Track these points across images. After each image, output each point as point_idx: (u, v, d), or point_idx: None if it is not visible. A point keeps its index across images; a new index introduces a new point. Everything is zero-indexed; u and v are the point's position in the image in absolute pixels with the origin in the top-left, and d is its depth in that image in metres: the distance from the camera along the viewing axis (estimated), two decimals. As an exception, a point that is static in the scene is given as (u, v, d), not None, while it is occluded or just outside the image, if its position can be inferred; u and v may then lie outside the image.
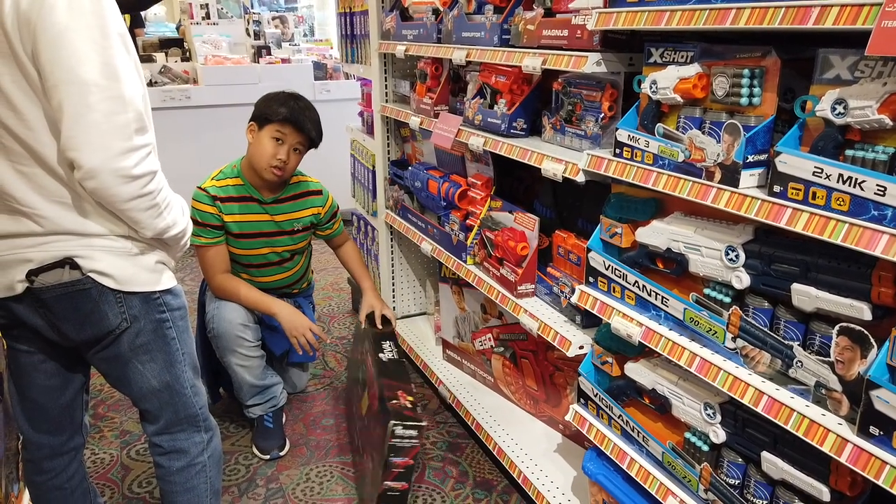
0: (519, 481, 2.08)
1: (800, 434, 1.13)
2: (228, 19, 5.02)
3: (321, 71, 4.77)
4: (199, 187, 2.36)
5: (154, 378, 1.52)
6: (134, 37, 5.78)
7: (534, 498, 2.00)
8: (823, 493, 1.16)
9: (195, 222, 2.30)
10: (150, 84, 4.37)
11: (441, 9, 2.30)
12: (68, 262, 1.35)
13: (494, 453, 2.23)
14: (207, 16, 4.91)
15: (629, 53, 1.57)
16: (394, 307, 3.12)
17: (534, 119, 2.00)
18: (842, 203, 1.02)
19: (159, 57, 4.71)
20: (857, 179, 1.00)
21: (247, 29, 4.83)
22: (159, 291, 1.48)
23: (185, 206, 1.52)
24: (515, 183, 2.38)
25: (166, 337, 1.51)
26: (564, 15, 1.69)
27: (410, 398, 1.97)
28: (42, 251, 1.34)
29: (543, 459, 2.12)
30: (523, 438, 2.22)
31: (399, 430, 1.85)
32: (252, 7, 6.21)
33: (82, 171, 1.24)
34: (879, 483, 1.01)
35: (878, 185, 0.97)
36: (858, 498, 1.14)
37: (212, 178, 2.39)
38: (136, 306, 1.44)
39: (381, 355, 2.24)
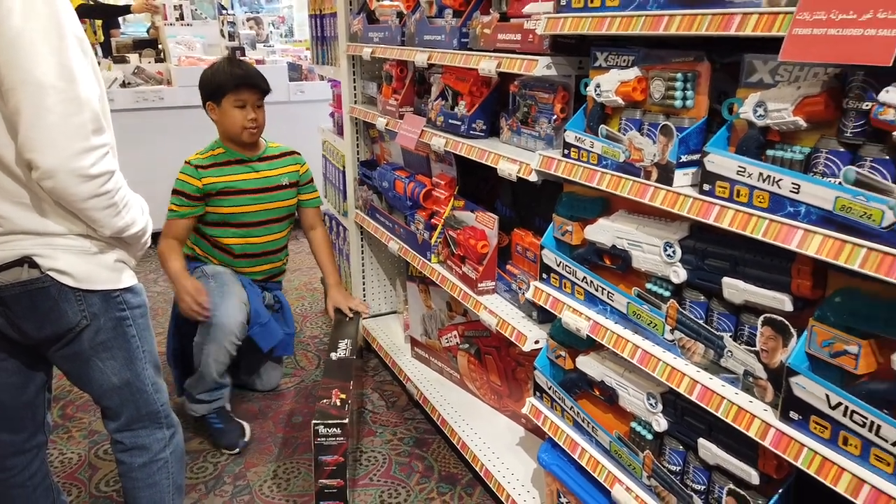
0: (481, 474, 2.13)
1: (729, 420, 1.18)
2: (202, 20, 5.03)
3: (296, 72, 4.80)
4: (187, 162, 2.50)
5: (115, 375, 1.55)
6: (109, 37, 5.78)
7: (495, 490, 2.05)
8: (752, 476, 1.22)
9: (173, 191, 2.46)
10: (124, 85, 4.37)
11: (405, 12, 2.34)
12: (27, 261, 1.37)
13: (459, 448, 2.27)
14: (181, 17, 4.92)
15: (579, 57, 1.63)
16: (364, 306, 3.17)
17: (493, 121, 2.05)
18: (762, 200, 1.08)
19: (133, 58, 4.71)
20: (774, 178, 1.05)
21: (221, 30, 4.84)
22: (119, 290, 1.50)
23: (145, 205, 1.54)
24: (479, 183, 2.43)
25: (126, 335, 1.53)
26: (518, 19, 1.74)
27: (343, 396, 2.02)
28: (0, 250, 1.36)
29: (506, 453, 2.17)
30: (487, 433, 2.27)
31: (322, 429, 1.90)
32: (231, 7, 6.22)
33: (40, 172, 1.27)
34: (798, 465, 1.07)
35: (793, 183, 1.03)
36: (784, 480, 1.19)
37: (196, 154, 2.53)
38: (95, 304, 1.47)
39: (332, 354, 2.29)
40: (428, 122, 2.25)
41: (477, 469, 2.15)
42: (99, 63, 4.58)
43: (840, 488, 1.01)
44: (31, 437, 1.65)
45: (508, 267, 2.01)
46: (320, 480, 1.95)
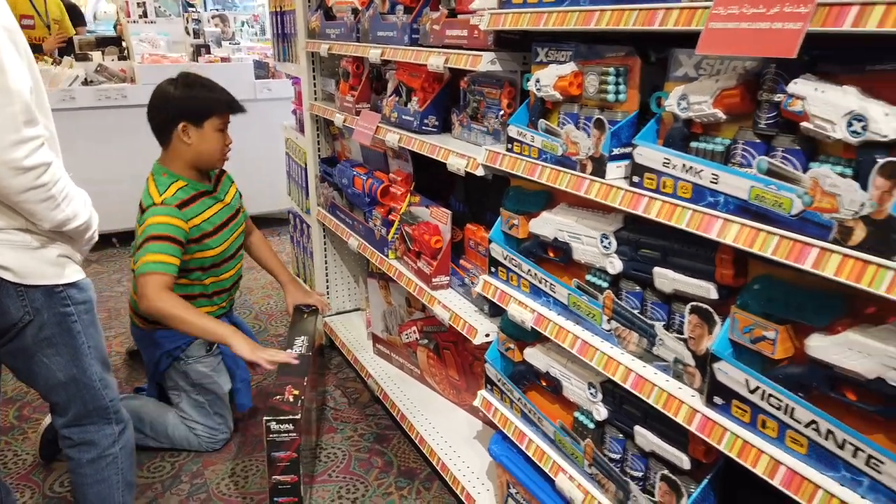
0: (438, 468, 2.14)
1: (659, 407, 1.21)
2: (167, 17, 4.98)
3: (263, 70, 4.77)
4: (162, 203, 2.12)
5: (60, 371, 1.54)
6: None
7: (451, 484, 2.06)
8: (683, 461, 1.25)
9: (155, 238, 2.06)
10: (86, 83, 4.32)
11: (359, 8, 2.35)
12: (-36, 257, 1.37)
13: (417, 443, 2.29)
14: (145, 14, 4.87)
15: (523, 53, 1.65)
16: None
17: (445, 116, 2.07)
18: (685, 191, 1.11)
19: (95, 56, 4.66)
20: (696, 169, 1.08)
21: (186, 27, 4.80)
22: (63, 285, 1.49)
23: (87, 198, 1.53)
24: (437, 178, 2.44)
25: (71, 330, 1.53)
26: (465, 15, 1.76)
27: (296, 392, 2.02)
28: (-64, 247, 1.35)
29: (463, 446, 2.19)
30: (445, 427, 2.29)
31: (274, 426, 1.90)
32: (204, 5, 6.16)
33: None
34: (721, 448, 1.10)
35: (712, 174, 1.06)
36: (713, 465, 1.22)
37: (160, 194, 2.15)
38: (38, 299, 1.46)
39: (287, 351, 2.28)
40: (383, 118, 2.26)
41: (434, 463, 2.17)
42: (60, 62, 4.52)
43: (759, 470, 1.04)
44: (-24, 435, 1.64)
45: (462, 262, 2.03)
46: (273, 477, 1.96)
